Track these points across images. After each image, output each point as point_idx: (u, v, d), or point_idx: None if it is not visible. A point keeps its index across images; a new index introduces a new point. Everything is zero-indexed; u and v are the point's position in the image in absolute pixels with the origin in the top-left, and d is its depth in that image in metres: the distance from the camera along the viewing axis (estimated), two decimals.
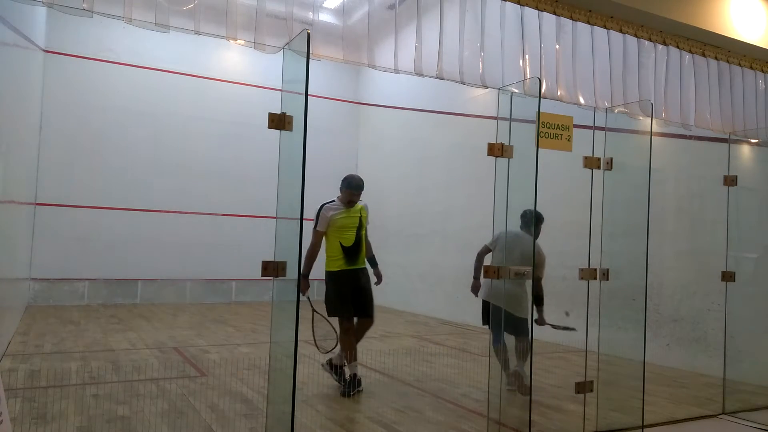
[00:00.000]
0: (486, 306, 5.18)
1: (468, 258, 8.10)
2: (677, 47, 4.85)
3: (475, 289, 5.32)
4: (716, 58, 5.08)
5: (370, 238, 5.38)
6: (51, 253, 10.45)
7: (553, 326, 5.38)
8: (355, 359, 5.08)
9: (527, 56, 4.14)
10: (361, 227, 5.20)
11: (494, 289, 4.77)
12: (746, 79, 5.26)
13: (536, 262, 4.86)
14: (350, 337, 5.09)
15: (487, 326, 5.00)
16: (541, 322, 5.28)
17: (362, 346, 7.12)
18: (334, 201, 5.19)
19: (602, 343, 4.22)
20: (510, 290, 4.47)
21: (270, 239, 3.84)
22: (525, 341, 4.77)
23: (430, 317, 10.59)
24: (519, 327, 4.67)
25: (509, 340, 4.79)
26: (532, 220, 4.67)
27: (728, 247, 5.11)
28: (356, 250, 5.18)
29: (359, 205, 5.23)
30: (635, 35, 4.64)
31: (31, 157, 9.23)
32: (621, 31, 4.56)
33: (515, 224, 3.97)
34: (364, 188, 5.21)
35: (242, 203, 12.06)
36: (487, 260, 4.93)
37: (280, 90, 3.26)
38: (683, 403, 5.15)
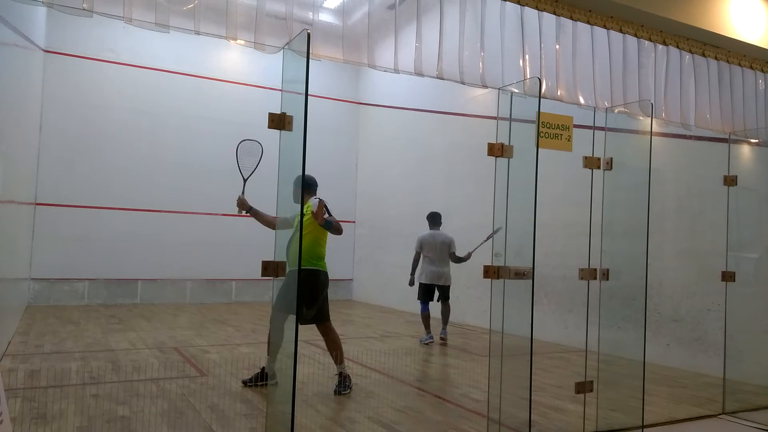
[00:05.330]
0: (423, 287, 7.73)
1: None
2: (677, 47, 4.85)
3: (412, 282, 7.84)
4: (716, 58, 5.07)
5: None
6: (51, 253, 10.45)
7: (482, 243, 6.94)
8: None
9: (527, 56, 4.14)
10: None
11: (431, 273, 7.62)
12: (746, 79, 5.26)
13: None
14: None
15: (424, 303, 7.72)
16: (466, 256, 7.48)
17: (362, 346, 7.11)
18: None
19: (602, 343, 4.22)
20: (446, 271, 7.66)
21: (270, 239, 3.84)
22: (448, 304, 7.82)
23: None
24: (447, 293, 7.77)
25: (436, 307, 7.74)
26: (439, 218, 7.81)
27: (728, 247, 5.11)
28: None
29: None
30: (635, 35, 4.63)
31: (31, 157, 9.23)
32: (621, 31, 4.56)
33: (515, 224, 3.97)
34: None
35: None
36: (471, 262, 7.50)
37: (280, 90, 3.26)
38: (683, 403, 5.15)
